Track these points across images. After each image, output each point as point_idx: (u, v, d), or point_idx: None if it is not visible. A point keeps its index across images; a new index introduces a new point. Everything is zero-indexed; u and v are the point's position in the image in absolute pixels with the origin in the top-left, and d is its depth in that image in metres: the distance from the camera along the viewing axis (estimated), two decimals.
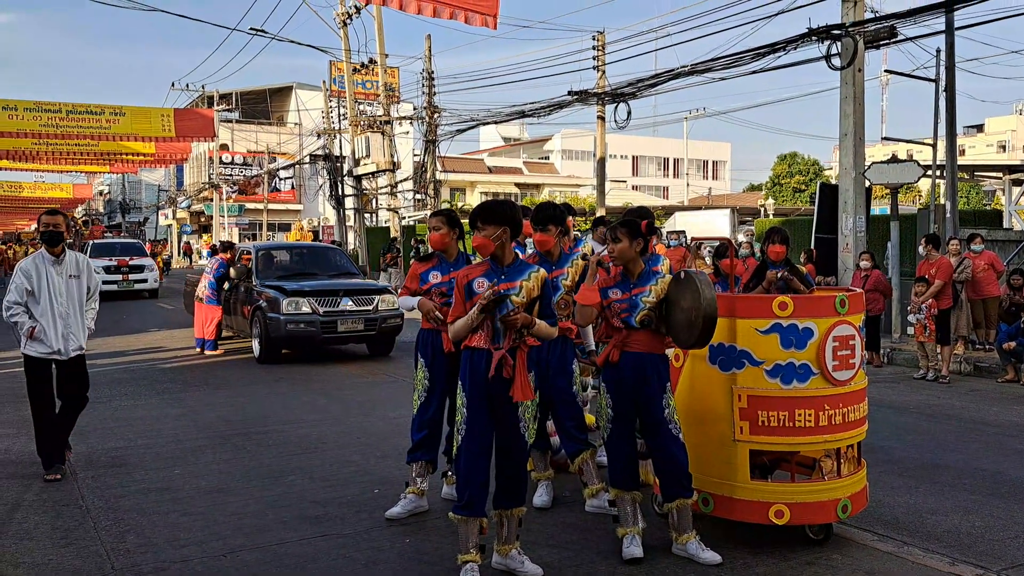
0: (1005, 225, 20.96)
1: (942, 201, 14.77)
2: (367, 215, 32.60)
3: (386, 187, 29.07)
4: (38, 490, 5.42)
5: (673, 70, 15.18)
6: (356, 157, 27.87)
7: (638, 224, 4.11)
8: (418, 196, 31.33)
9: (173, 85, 43.41)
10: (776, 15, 13.20)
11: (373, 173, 27.79)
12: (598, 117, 22.76)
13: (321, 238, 41.09)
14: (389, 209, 29.04)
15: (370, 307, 11.07)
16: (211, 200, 50.59)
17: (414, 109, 30.43)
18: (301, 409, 8.05)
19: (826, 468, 4.34)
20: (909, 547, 4.27)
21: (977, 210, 28.64)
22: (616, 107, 18.21)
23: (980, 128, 66.76)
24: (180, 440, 6.79)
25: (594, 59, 22.17)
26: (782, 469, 4.68)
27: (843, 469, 4.33)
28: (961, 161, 26.65)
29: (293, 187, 55.37)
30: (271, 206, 50.45)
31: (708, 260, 10.87)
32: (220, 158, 51.00)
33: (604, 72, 21.83)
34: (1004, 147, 62.10)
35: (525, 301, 3.80)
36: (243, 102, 51.88)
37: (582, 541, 4.41)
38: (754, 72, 14.14)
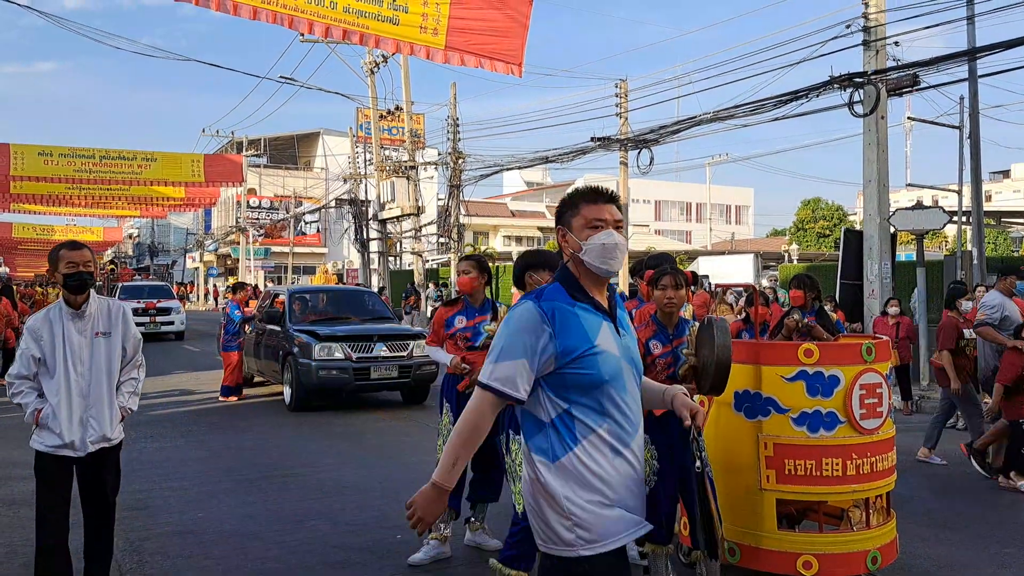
0: None
1: (968, 247, 14.67)
2: (391, 258, 32.89)
3: (410, 231, 29.38)
4: None
5: (695, 117, 15.33)
6: (381, 201, 28.24)
7: (685, 274, 4.15)
8: (442, 240, 31.59)
9: (204, 131, 44.47)
10: (799, 63, 13.33)
11: (398, 217, 28.13)
12: (621, 163, 22.92)
13: (345, 281, 41.47)
14: (413, 252, 29.32)
15: (405, 353, 10.71)
16: (238, 243, 51.37)
17: (439, 154, 30.87)
18: (323, 453, 8.06)
19: (855, 518, 4.27)
20: None
21: (1005, 256, 28.31)
22: (639, 153, 18.38)
23: (1006, 174, 66.35)
24: (204, 483, 6.82)
25: (616, 106, 22.43)
26: (809, 519, 4.62)
27: (872, 520, 4.27)
28: (987, 207, 26.46)
29: (318, 230, 56.13)
30: (296, 249, 51.09)
31: (733, 304, 10.82)
32: (247, 202, 51.88)
33: (626, 119, 22.05)
34: None
35: None
36: (271, 147, 52.98)
37: None
38: (776, 119, 14.24)
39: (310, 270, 52.27)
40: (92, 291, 3.97)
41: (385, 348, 10.63)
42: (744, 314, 8.19)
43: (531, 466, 2.39)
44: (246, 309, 12.42)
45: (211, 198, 40.88)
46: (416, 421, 10.02)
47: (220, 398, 11.68)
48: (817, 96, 12.90)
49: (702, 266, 25.55)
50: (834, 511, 4.51)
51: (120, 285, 26.39)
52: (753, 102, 14.08)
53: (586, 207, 2.41)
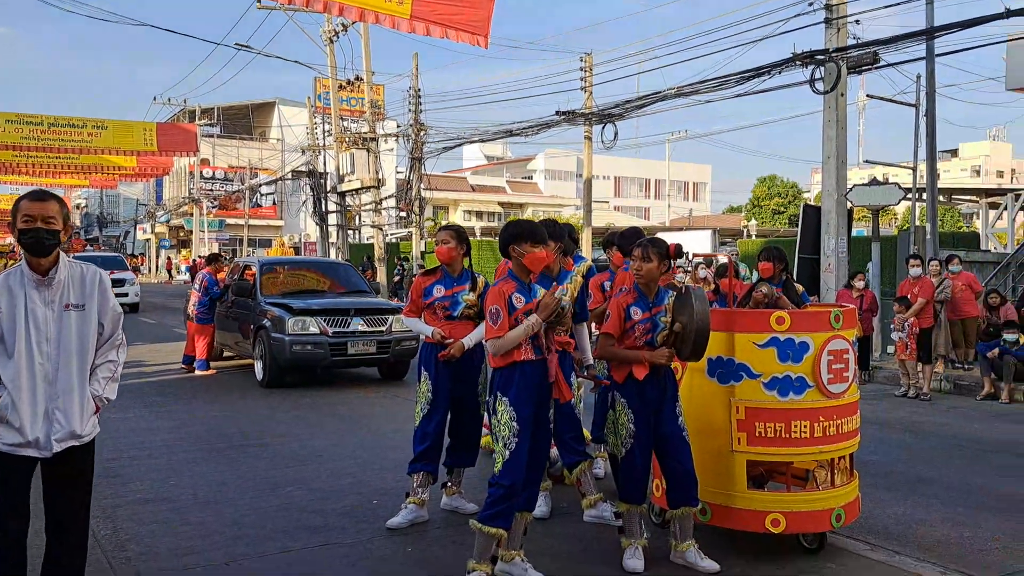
0: (982, 247, 21.37)
1: (920, 223, 15.09)
2: (350, 232, 32.59)
3: (370, 204, 29.11)
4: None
5: (660, 92, 15.43)
6: (340, 174, 27.91)
7: (667, 246, 4.23)
8: (402, 214, 31.38)
9: (155, 99, 43.34)
10: (762, 40, 13.48)
11: (357, 190, 27.83)
12: (585, 137, 22.98)
13: (303, 254, 41.01)
14: (373, 226, 29.08)
15: (383, 328, 10.30)
16: (191, 215, 50.35)
17: (398, 126, 30.57)
18: (295, 423, 8.05)
19: (820, 478, 4.45)
20: (901, 556, 4.37)
21: (954, 232, 29.17)
22: (603, 128, 18.44)
23: (955, 152, 68.04)
24: (173, 452, 6.78)
25: (582, 80, 22.44)
26: (776, 481, 4.79)
27: (837, 479, 4.44)
28: (938, 184, 27.13)
29: (274, 203, 55.29)
30: (252, 221, 50.32)
31: (707, 278, 10.99)
32: (201, 173, 50.84)
33: (591, 93, 22.09)
34: (978, 171, 63.33)
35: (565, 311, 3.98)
36: (225, 117, 51.88)
37: (582, 551, 4.47)
38: (739, 95, 14.41)
39: (266, 243, 51.56)
40: (62, 254, 3.24)
41: (363, 322, 10.25)
42: (714, 285, 8.37)
43: None
44: (221, 280, 12.13)
45: (164, 168, 39.94)
46: (391, 393, 10.01)
47: (196, 371, 11.48)
48: (780, 73, 13.09)
49: None
50: (799, 472, 4.68)
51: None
52: (716, 78, 14.23)
53: None
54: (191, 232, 50.75)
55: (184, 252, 54.23)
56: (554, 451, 5.28)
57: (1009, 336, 10.20)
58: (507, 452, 3.84)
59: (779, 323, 4.35)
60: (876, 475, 6.06)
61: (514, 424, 3.85)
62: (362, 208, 31.28)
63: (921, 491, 5.77)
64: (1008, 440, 7.66)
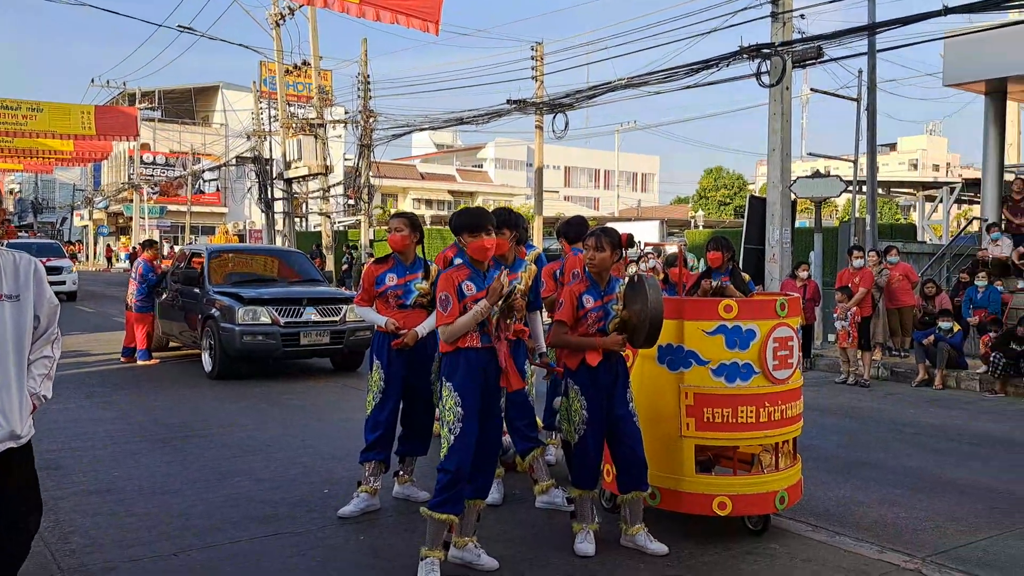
0: (919, 239, 22.07)
1: (860, 215, 15.52)
2: (297, 219, 32.11)
3: (317, 191, 28.71)
4: None
5: (610, 83, 15.53)
6: (287, 160, 27.46)
7: (619, 236, 4.28)
8: (350, 201, 31.03)
9: (93, 81, 42.05)
10: (710, 32, 13.66)
11: (304, 177, 27.44)
12: (536, 127, 23.01)
13: (248, 242, 40.26)
14: (320, 214, 28.71)
15: (337, 318, 10.06)
16: (131, 201, 49.00)
17: (347, 113, 30.19)
18: (242, 413, 7.94)
19: (765, 462, 4.56)
20: (841, 536, 4.53)
21: (892, 224, 30.05)
22: (554, 117, 18.49)
23: (893, 146, 69.95)
24: (116, 443, 6.63)
25: (532, 69, 22.44)
26: (722, 465, 4.90)
27: (780, 463, 4.56)
28: (878, 177, 27.86)
29: (218, 189, 54.12)
30: (194, 208, 49.22)
31: (657, 268, 11.17)
32: (141, 158, 49.52)
33: (542, 82, 22.11)
34: (915, 165, 65.27)
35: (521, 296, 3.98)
36: (166, 101, 50.54)
37: (534, 536, 4.52)
38: (688, 87, 14.59)
39: (209, 230, 50.52)
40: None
41: (316, 312, 10.02)
42: (664, 275, 8.49)
43: None
44: (157, 267, 11.86)
45: (102, 152, 38.79)
46: (343, 384, 9.90)
47: (122, 359, 11.24)
48: (727, 66, 13.28)
49: None
50: (745, 457, 4.80)
51: (5, 243, 24.80)
52: (666, 70, 14.37)
53: None
54: (131, 219, 49.43)
55: (123, 239, 52.79)
56: (507, 439, 5.32)
57: (943, 324, 10.59)
58: (452, 437, 3.86)
59: (727, 311, 4.44)
60: (817, 459, 6.24)
61: (459, 410, 3.87)
62: (309, 195, 30.86)
63: (860, 474, 5.96)
64: (941, 424, 7.96)
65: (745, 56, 13.08)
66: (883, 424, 7.98)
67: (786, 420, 4.51)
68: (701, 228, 31.36)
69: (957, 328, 10.69)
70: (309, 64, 26.77)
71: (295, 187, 28.39)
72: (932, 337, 10.50)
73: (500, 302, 3.88)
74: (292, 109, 28.81)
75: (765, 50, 12.76)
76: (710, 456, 4.75)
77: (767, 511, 4.48)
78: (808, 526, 4.68)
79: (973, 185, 20.33)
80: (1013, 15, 13.63)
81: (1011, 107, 18.91)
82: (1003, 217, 13.83)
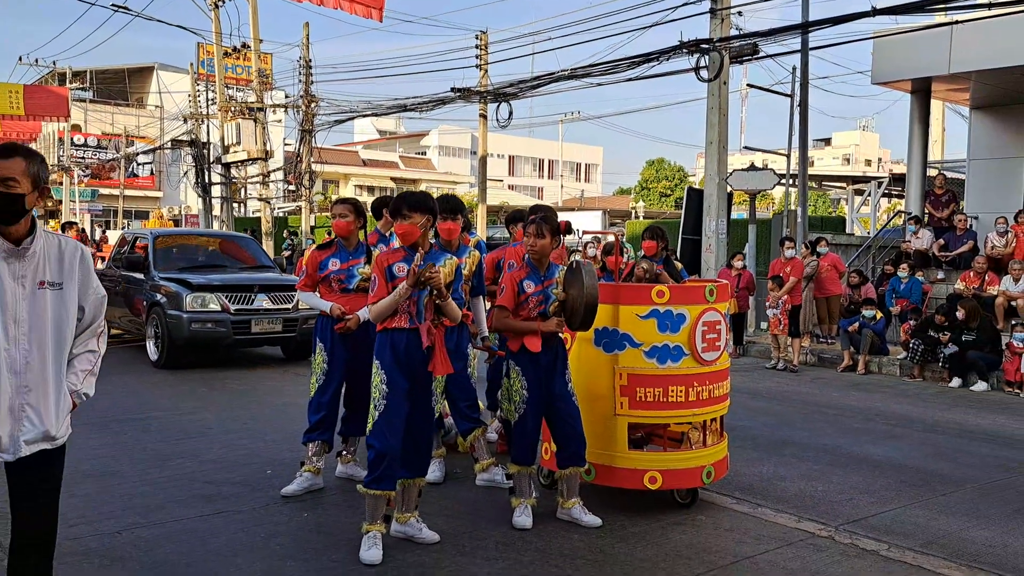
0: (848, 231, 22.90)
1: (793, 208, 16.07)
2: (235, 204, 31.58)
3: (257, 176, 28.28)
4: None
5: (554, 73, 15.73)
6: (225, 144, 26.97)
7: (558, 223, 4.45)
8: (290, 187, 30.62)
9: (20, 59, 40.49)
10: (651, 27, 13.95)
11: (243, 161, 26.98)
12: (480, 115, 23.09)
13: (184, 227, 39.41)
14: (260, 199, 28.29)
15: (290, 305, 9.88)
16: (60, 184, 47.39)
17: (287, 97, 29.78)
18: (183, 397, 7.91)
19: (693, 439, 4.81)
20: (762, 508, 4.81)
21: (824, 216, 31.04)
22: (498, 106, 18.63)
23: (828, 142, 71.94)
24: None
25: (477, 58, 22.50)
26: (653, 443, 5.14)
27: (708, 440, 4.82)
28: (810, 171, 28.73)
29: (152, 172, 52.71)
30: (128, 192, 47.88)
31: (596, 256, 11.40)
32: (72, 139, 47.90)
33: (487, 71, 22.19)
34: (848, 160, 67.27)
35: (449, 279, 4.03)
36: (98, 81, 48.98)
37: (474, 512, 4.68)
38: (630, 80, 14.87)
39: (143, 214, 49.21)
40: (39, 222, 2.72)
41: (267, 299, 9.83)
42: (602, 263, 8.71)
43: None
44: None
45: (31, 133, 37.46)
46: (285, 369, 9.87)
47: None
48: (668, 59, 13.58)
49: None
50: (675, 434, 5.04)
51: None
52: (608, 62, 14.62)
53: None
54: (60, 202, 47.81)
55: (52, 223, 51.01)
56: (449, 420, 5.48)
57: (867, 312, 11.10)
58: (376, 414, 4.00)
59: (659, 296, 4.67)
60: (745, 439, 6.56)
61: (384, 387, 3.99)
62: (248, 180, 30.33)
63: (783, 452, 6.30)
64: (860, 407, 8.39)
65: (685, 51, 13.39)
66: (808, 406, 8.38)
67: (714, 399, 4.77)
68: (641, 218, 31.92)
69: (880, 316, 11.22)
70: (249, 47, 26.30)
71: (233, 172, 27.90)
72: (857, 325, 11.01)
73: (424, 285, 3.93)
74: (231, 92, 28.27)
75: (704, 45, 13.09)
76: (643, 434, 4.97)
77: (695, 485, 4.74)
78: (733, 499, 4.96)
79: (899, 180, 21.17)
80: (938, 17, 14.26)
81: (935, 105, 19.76)
82: (925, 211, 14.50)
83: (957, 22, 13.40)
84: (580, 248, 13.84)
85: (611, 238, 11.61)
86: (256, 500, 4.81)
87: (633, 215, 34.24)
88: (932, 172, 15.77)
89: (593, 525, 4.40)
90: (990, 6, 11.44)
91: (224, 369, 9.63)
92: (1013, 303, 10.90)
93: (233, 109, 26.68)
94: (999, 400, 9.03)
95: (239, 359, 10.41)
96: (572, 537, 4.28)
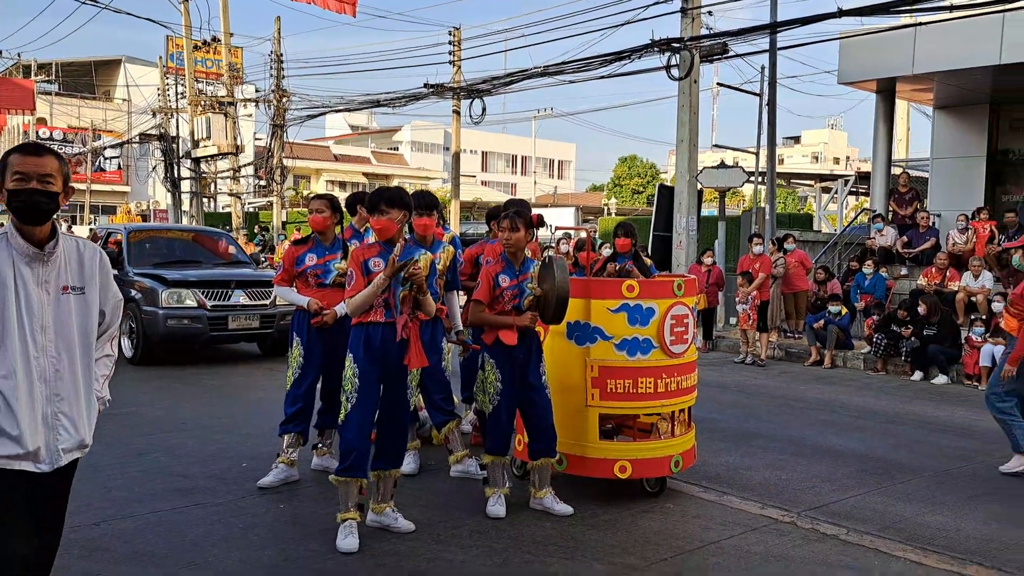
0: (815, 228, 23.26)
1: (763, 205, 16.32)
2: (205, 199, 31.30)
3: (227, 171, 28.07)
4: None
5: (527, 70, 15.83)
6: (195, 138, 26.73)
7: (531, 216, 4.55)
8: (261, 182, 30.42)
9: None
10: (623, 25, 14.11)
11: (213, 156, 26.77)
12: (454, 111, 23.13)
13: (152, 222, 38.94)
14: (230, 194, 28.09)
15: (267, 301, 9.79)
16: None
17: (258, 91, 29.56)
18: (158, 393, 7.92)
19: (662, 429, 4.96)
20: (728, 496, 4.97)
21: (792, 214, 31.47)
22: (471, 102, 18.69)
23: (797, 140, 72.86)
24: None
25: (450, 54, 22.53)
26: (624, 434, 5.27)
27: (676, 430, 4.97)
28: (780, 169, 29.13)
29: (120, 167, 51.98)
30: (94, 187, 47.21)
31: (568, 252, 11.56)
32: (37, 132, 47.09)
33: (460, 67, 22.23)
34: (817, 158, 68.18)
35: (425, 274, 4.11)
36: (64, 74, 48.19)
37: (449, 502, 4.78)
38: (602, 77, 15.04)
39: (110, 209, 48.53)
40: (59, 225, 2.67)
41: (244, 295, 9.73)
42: (574, 258, 8.86)
43: None
44: None
45: None
46: (261, 365, 9.85)
47: None
48: (639, 58, 13.74)
49: None
50: (645, 425, 5.18)
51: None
52: (581, 60, 14.75)
53: None
54: None
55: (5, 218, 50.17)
56: (423, 413, 5.57)
57: (833, 308, 11.36)
58: (349, 406, 4.09)
59: (629, 291, 4.79)
60: (713, 430, 6.72)
61: (356, 380, 4.07)
62: (218, 175, 30.10)
63: (749, 443, 6.47)
64: (825, 399, 8.62)
65: (656, 49, 13.56)
66: (775, 399, 8.59)
67: (681, 391, 4.91)
68: (614, 215, 32.15)
69: (845, 312, 11.48)
70: (219, 40, 26.09)
71: (203, 166, 27.67)
72: (822, 321, 11.25)
73: (402, 277, 3.98)
74: (200, 86, 28.01)
75: (675, 44, 13.27)
76: (613, 425, 5.10)
77: (663, 474, 4.88)
78: (700, 487, 5.11)
79: (865, 178, 21.55)
80: (903, 19, 14.57)
81: (900, 105, 20.15)
82: (890, 208, 14.82)
83: (921, 24, 13.71)
84: (553, 244, 13.97)
85: (583, 234, 11.78)
86: (232, 493, 4.87)
87: (606, 211, 34.49)
88: (896, 171, 16.10)
89: (565, 514, 4.53)
90: (951, 8, 11.73)
91: (200, 366, 9.62)
92: (973, 299, 11.21)
93: (203, 103, 26.46)
94: (958, 393, 9.30)
95: (216, 356, 10.40)
96: (544, 525, 4.39)
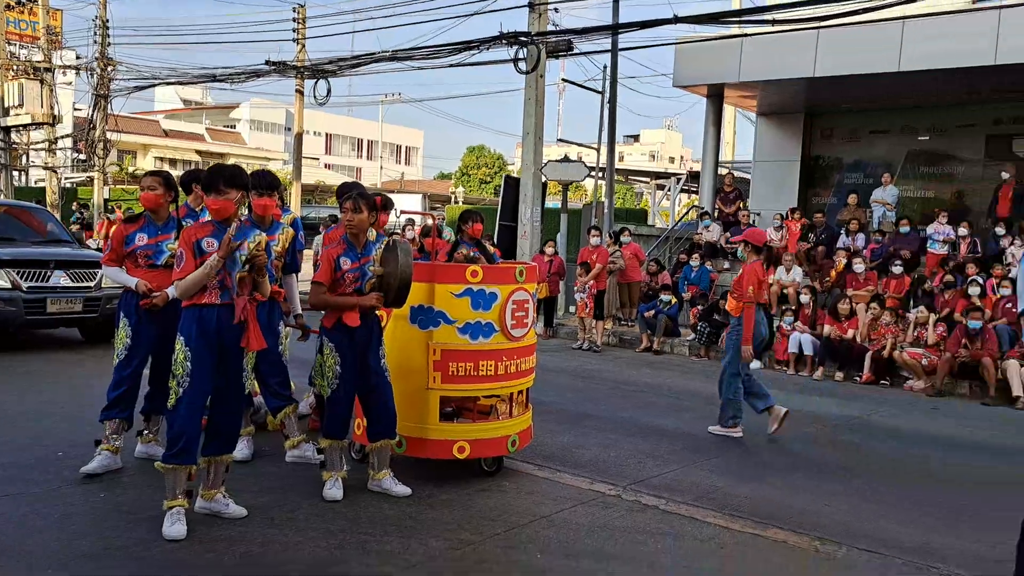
0: (649, 222, 24.49)
1: (602, 199, 17.00)
2: (16, 172, 28.64)
3: (42, 143, 25.79)
4: None
5: (375, 53, 15.62)
6: (5, 106, 24.39)
7: (375, 199, 4.53)
8: (81, 156, 28.22)
9: None
10: (471, 15, 14.23)
11: (26, 126, 24.56)
12: (296, 91, 22.41)
13: None
14: (45, 168, 25.85)
15: (91, 283, 9.14)
16: None
17: (79, 58, 27.35)
18: None
19: (500, 410, 5.11)
20: (561, 473, 5.21)
21: (630, 208, 32.94)
22: (316, 83, 18.20)
23: (637, 138, 76.16)
24: None
25: (294, 31, 21.79)
26: (464, 417, 5.38)
27: (514, 411, 5.14)
28: (619, 166, 30.35)
29: None
30: None
31: (414, 239, 11.53)
32: None
33: (304, 46, 21.55)
34: (654, 156, 71.58)
35: (260, 253, 3.99)
36: None
37: (285, 487, 4.70)
38: (451, 65, 15.07)
39: None
40: None
41: (66, 276, 9.04)
42: (420, 244, 8.88)
43: None
44: None
45: None
46: (83, 351, 9.20)
47: None
48: (488, 49, 13.92)
49: None
50: (484, 407, 5.32)
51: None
52: (430, 46, 14.75)
53: None
54: None
55: None
56: (258, 399, 5.44)
57: (664, 298, 12.05)
58: (180, 391, 3.95)
59: (473, 276, 4.90)
60: (549, 412, 6.98)
61: (188, 364, 3.95)
62: (32, 147, 27.60)
63: (583, 423, 6.79)
64: (653, 383, 9.15)
65: (504, 42, 13.80)
66: (609, 383, 9.02)
67: (520, 373, 5.08)
68: (461, 204, 32.36)
69: (674, 301, 12.21)
70: (36, 0, 23.91)
71: (15, 136, 25.30)
72: (653, 311, 11.92)
73: (242, 258, 3.90)
74: (13, 49, 25.56)
75: (522, 38, 13.55)
76: (454, 407, 5.20)
77: (500, 453, 5.04)
78: (535, 466, 5.31)
79: (696, 177, 22.92)
80: (733, 29, 15.60)
81: (728, 110, 21.56)
82: (716, 206, 15.87)
83: (747, 35, 14.74)
84: (399, 230, 13.92)
85: (429, 221, 11.80)
86: (49, 482, 4.56)
87: (453, 200, 34.64)
88: (723, 171, 17.24)
89: (403, 495, 4.58)
90: (773, 23, 12.71)
91: (14, 352, 8.82)
92: (784, 291, 12.24)
93: (16, 68, 24.18)
94: (770, 376, 10.15)
95: (34, 341, 9.58)
96: (382, 506, 4.43)
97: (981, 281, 10.72)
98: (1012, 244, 11.85)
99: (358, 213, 4.49)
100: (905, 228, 13.08)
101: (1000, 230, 12.47)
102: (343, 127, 65.27)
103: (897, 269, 11.78)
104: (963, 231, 12.50)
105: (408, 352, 4.90)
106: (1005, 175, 13.30)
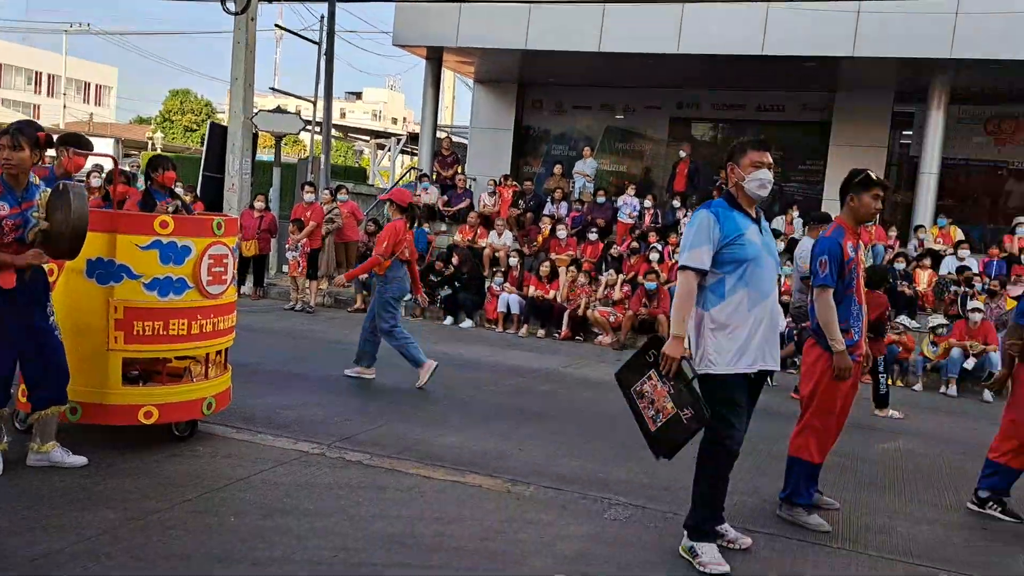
0: (369, 181, 24.34)
1: (319, 154, 16.54)
2: None
3: None
4: None
5: None
6: None
7: (37, 134, 3.95)
8: None
9: None
10: None
11: None
12: None
13: None
14: None
15: None
16: None
17: None
18: None
19: (195, 372, 4.79)
20: (262, 435, 5.03)
21: (349, 166, 32.47)
22: None
23: (359, 96, 74.89)
24: None
25: None
26: (155, 381, 4.97)
27: (211, 372, 4.85)
28: (340, 122, 29.74)
29: None
30: None
31: (99, 187, 10.34)
32: None
33: None
34: (377, 115, 71.01)
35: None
36: None
37: None
38: None
39: None
40: None
41: None
42: (105, 191, 8.00)
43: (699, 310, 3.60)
44: None
45: None
46: None
47: None
48: None
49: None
50: (177, 370, 4.95)
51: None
52: None
53: (752, 152, 3.62)
54: None
55: None
56: None
57: None
58: None
59: (163, 227, 4.51)
60: (255, 373, 6.71)
61: None
62: None
63: (290, 384, 6.61)
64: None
65: None
66: (320, 343, 8.88)
67: (218, 332, 4.79)
68: (160, 151, 29.70)
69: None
70: None
71: None
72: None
73: None
74: None
75: None
76: (140, 371, 4.78)
77: (194, 417, 4.73)
78: (234, 428, 5.07)
79: (416, 139, 23.14)
80: None
81: (447, 74, 21.95)
82: (434, 169, 16.15)
83: (466, 1, 15.03)
84: (84, 178, 12.44)
85: (110, 164, 10.73)
86: None
87: (150, 146, 31.68)
88: (441, 135, 17.57)
89: (78, 465, 4.13)
90: None
91: None
92: (496, 254, 12.84)
93: None
94: (479, 335, 10.65)
95: None
96: (52, 479, 3.96)
97: (660, 248, 12.10)
98: (686, 216, 13.49)
99: (17, 151, 3.91)
100: (601, 199, 14.32)
101: (676, 203, 14.11)
102: (17, 57, 56.60)
103: (593, 236, 12.89)
104: (648, 203, 13.97)
105: (84, 310, 4.41)
106: (682, 153, 15.04)
